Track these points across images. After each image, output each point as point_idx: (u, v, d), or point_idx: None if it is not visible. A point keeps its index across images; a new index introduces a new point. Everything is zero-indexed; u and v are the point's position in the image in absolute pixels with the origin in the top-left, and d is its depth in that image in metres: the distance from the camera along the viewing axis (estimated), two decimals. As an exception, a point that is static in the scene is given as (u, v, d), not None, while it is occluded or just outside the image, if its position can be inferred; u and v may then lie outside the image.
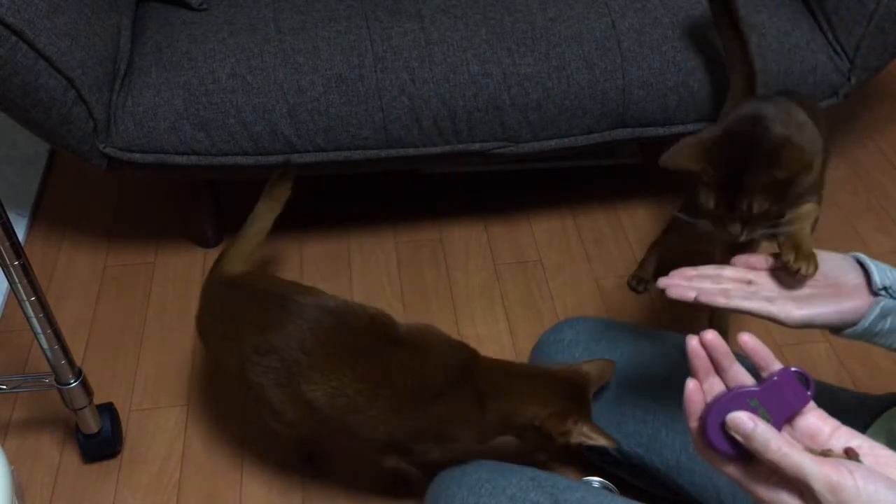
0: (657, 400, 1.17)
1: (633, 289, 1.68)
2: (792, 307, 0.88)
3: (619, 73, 1.52)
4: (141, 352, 1.55)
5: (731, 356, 0.71)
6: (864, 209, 1.87)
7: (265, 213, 1.35)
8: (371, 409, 1.10)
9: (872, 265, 0.88)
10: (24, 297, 1.15)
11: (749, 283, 0.93)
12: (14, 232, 1.10)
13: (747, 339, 0.70)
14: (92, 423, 1.33)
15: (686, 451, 1.13)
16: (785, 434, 0.65)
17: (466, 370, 1.15)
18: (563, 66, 1.50)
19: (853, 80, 1.59)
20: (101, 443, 1.35)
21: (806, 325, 0.88)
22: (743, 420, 0.63)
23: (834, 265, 0.91)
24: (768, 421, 0.64)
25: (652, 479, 1.20)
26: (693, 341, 0.71)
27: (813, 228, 1.13)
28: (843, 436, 0.66)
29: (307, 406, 1.12)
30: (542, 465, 1.22)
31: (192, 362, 1.53)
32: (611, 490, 1.28)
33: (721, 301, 0.88)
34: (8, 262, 1.11)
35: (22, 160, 1.94)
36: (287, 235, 1.78)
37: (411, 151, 1.53)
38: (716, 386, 0.70)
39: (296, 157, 1.50)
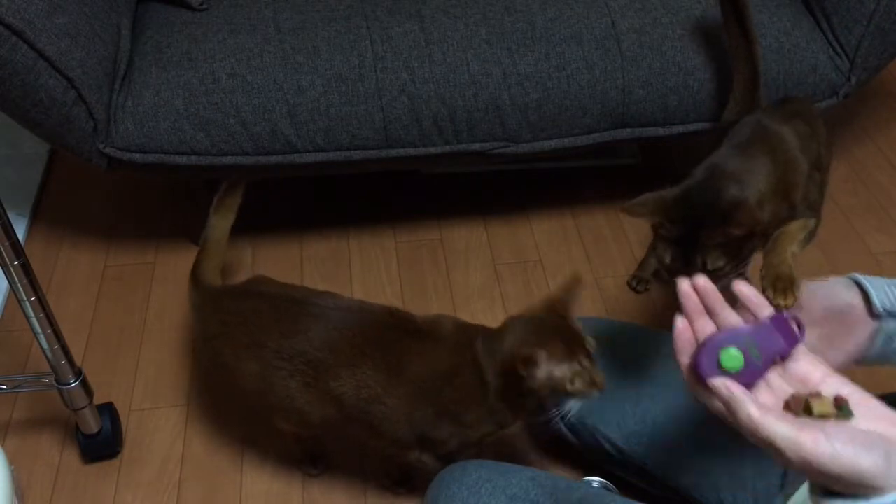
0: (657, 400, 1.17)
1: (633, 289, 1.68)
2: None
3: (619, 73, 1.52)
4: (141, 352, 1.55)
5: (723, 302, 0.71)
6: (864, 209, 1.87)
7: (219, 223, 1.35)
8: (389, 397, 1.12)
9: (870, 286, 0.87)
10: (24, 297, 1.15)
11: None
12: (14, 232, 1.10)
13: (743, 288, 0.70)
14: (92, 423, 1.32)
15: (686, 452, 1.13)
16: (765, 393, 0.65)
17: (472, 349, 1.15)
18: (563, 66, 1.50)
19: (853, 80, 1.59)
20: (101, 443, 1.35)
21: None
22: (718, 386, 0.63)
23: (829, 294, 0.89)
24: (758, 359, 0.65)
25: (652, 479, 1.20)
26: (685, 284, 0.72)
27: (809, 240, 1.13)
28: (833, 382, 0.66)
29: (334, 403, 1.14)
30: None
31: (192, 362, 1.53)
32: (611, 490, 1.28)
33: None
34: (8, 262, 1.11)
35: (22, 160, 1.94)
36: (287, 235, 1.78)
37: (411, 151, 1.53)
38: (707, 327, 0.70)
39: (296, 157, 1.50)
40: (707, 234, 0.98)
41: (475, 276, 1.71)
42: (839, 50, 1.57)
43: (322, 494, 1.34)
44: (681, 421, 1.15)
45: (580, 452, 1.29)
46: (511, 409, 1.12)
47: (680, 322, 0.70)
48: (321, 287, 1.65)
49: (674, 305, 0.95)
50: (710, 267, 0.98)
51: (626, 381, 1.21)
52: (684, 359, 0.69)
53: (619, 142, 1.61)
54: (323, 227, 1.81)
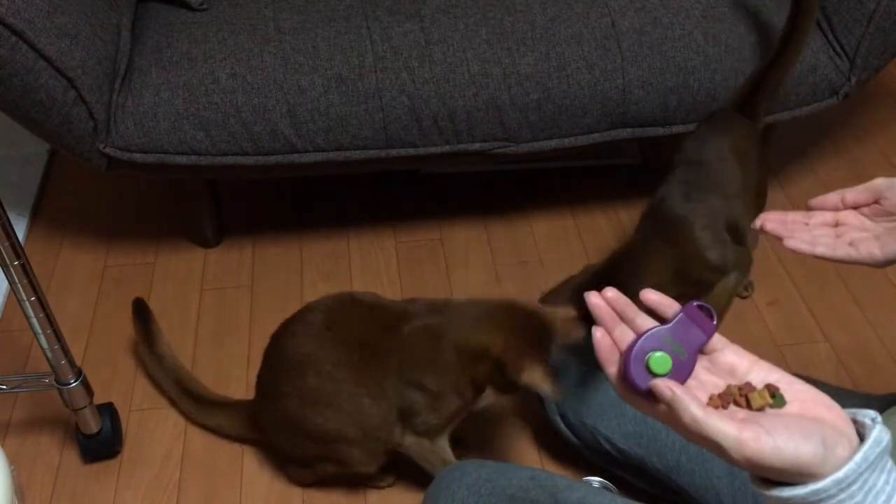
0: (657, 400, 1.17)
1: (633, 289, 1.68)
2: (875, 248, 0.89)
3: (619, 73, 1.52)
4: (141, 352, 1.55)
5: (634, 307, 0.70)
6: (864, 209, 1.86)
7: (166, 353, 1.43)
8: (352, 386, 1.17)
9: None
10: (24, 297, 1.15)
11: (836, 224, 0.93)
12: (14, 232, 1.10)
13: (650, 296, 0.69)
14: (92, 423, 1.32)
15: (686, 452, 1.13)
16: (697, 390, 0.64)
17: (402, 317, 1.18)
18: (563, 66, 1.50)
19: (853, 80, 1.59)
20: (101, 443, 1.35)
21: (891, 263, 0.89)
22: (660, 389, 0.62)
23: None
24: (683, 355, 0.64)
25: (652, 479, 1.20)
26: (593, 297, 0.70)
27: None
28: (761, 370, 0.65)
29: (339, 405, 1.19)
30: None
31: (192, 362, 1.53)
32: (611, 490, 1.28)
33: (806, 249, 0.89)
34: (8, 262, 1.11)
35: (22, 160, 1.94)
36: (287, 235, 1.78)
37: (411, 151, 1.53)
38: (626, 334, 0.69)
39: (296, 157, 1.50)
40: None
41: (475, 276, 1.71)
42: (839, 50, 1.58)
43: (322, 495, 1.34)
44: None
45: (580, 452, 1.29)
46: (474, 387, 1.16)
47: (599, 332, 0.68)
48: (321, 287, 1.67)
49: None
50: None
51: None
52: (612, 368, 0.67)
53: (619, 142, 1.61)
54: (323, 227, 1.80)
